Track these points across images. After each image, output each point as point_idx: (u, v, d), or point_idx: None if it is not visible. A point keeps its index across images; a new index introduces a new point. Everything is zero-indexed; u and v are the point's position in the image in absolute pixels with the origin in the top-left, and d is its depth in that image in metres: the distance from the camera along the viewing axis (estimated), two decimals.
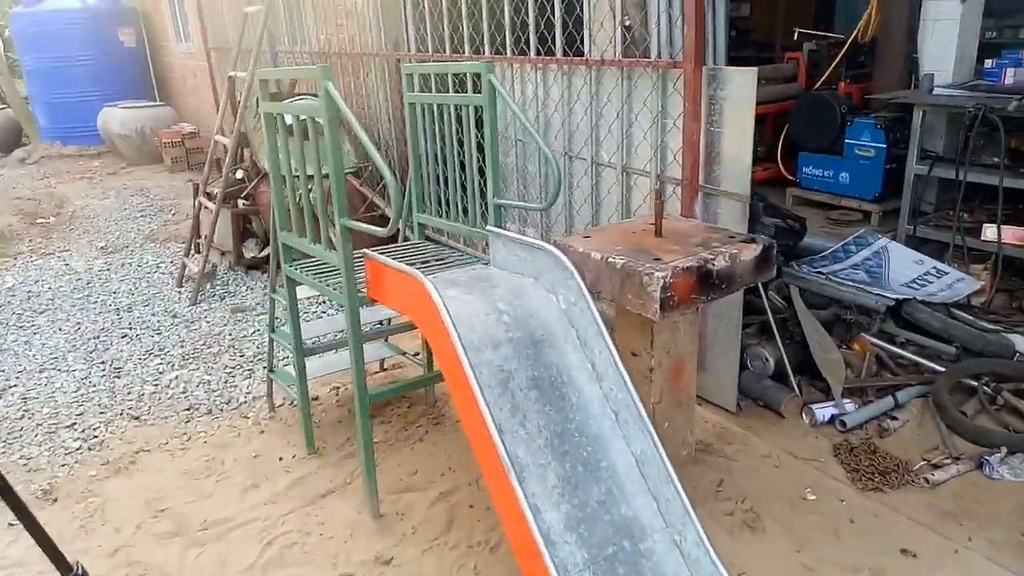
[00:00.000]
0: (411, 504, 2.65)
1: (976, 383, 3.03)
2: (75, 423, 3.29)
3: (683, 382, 2.53)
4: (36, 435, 3.20)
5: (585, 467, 2.09)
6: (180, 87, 10.39)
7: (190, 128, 9.00)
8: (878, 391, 3.08)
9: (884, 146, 4.56)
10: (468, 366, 1.95)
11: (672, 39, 2.86)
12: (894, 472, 2.60)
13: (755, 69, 2.55)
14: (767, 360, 3.13)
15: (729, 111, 2.66)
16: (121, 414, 3.36)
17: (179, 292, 4.95)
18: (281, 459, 2.98)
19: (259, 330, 4.22)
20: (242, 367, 3.81)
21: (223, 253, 5.23)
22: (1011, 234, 3.86)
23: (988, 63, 4.56)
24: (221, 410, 3.40)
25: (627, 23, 2.98)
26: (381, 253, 2.53)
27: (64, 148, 10.28)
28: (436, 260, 2.81)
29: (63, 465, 2.98)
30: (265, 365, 3.77)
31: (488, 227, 2.57)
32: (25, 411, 3.41)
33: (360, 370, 2.44)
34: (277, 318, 3.26)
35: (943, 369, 3.14)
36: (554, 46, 3.37)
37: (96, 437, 3.18)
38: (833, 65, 5.09)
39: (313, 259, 2.77)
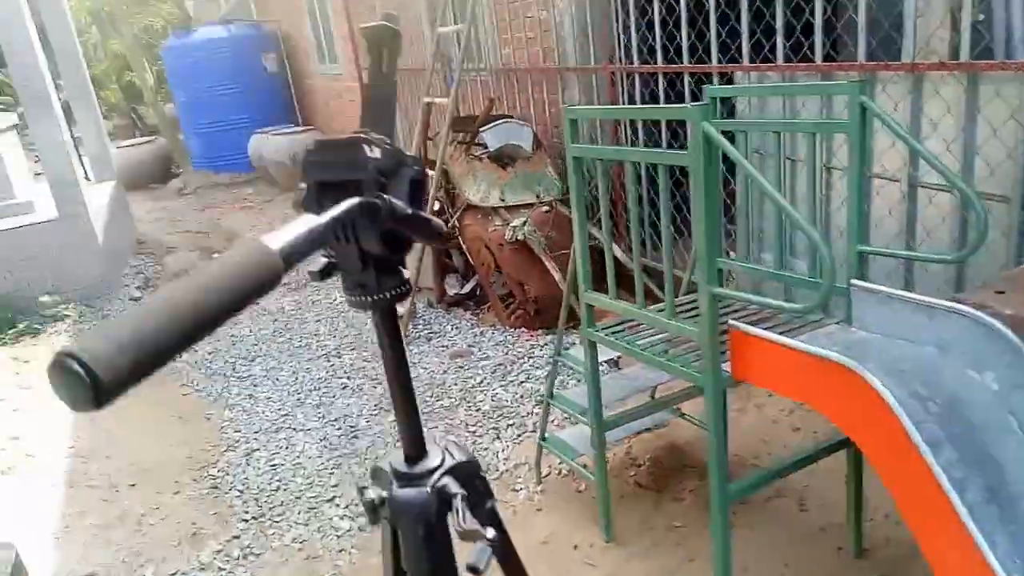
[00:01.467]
0: None
1: None
2: (334, 497, 3.05)
3: None
4: (298, 511, 2.99)
5: None
6: (322, 110, 10.43)
7: None
8: None
9: None
10: (954, 495, 1.50)
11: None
12: None
13: None
14: None
15: None
16: None
17: None
18: (576, 547, 2.62)
19: (486, 379, 3.91)
20: (483, 425, 3.50)
21: (419, 290, 4.99)
22: None
23: None
24: None
25: (981, 17, 2.44)
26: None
27: (216, 176, 10.53)
28: (738, 314, 2.35)
29: (340, 551, 2.74)
30: (511, 423, 3.47)
31: (852, 280, 2.10)
32: (278, 481, 3.21)
33: (723, 466, 2.02)
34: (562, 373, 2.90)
35: None
36: (855, 49, 2.86)
37: None
38: None
39: (621, 320, 2.39)
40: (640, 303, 2.17)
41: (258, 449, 3.48)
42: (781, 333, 2.12)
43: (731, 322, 1.96)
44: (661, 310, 2.18)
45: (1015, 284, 2.04)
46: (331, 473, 3.23)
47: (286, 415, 3.79)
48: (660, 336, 2.30)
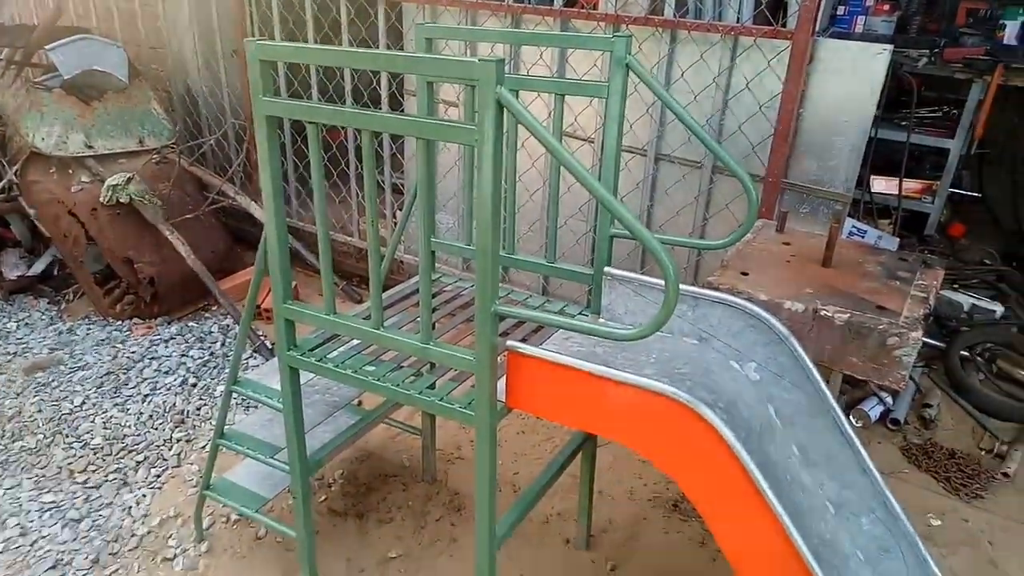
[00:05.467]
0: None
1: (968, 353, 3.09)
2: None
3: None
4: None
5: None
6: None
7: None
8: None
9: None
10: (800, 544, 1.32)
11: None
12: (980, 473, 2.53)
13: (890, 47, 2.11)
14: None
15: (841, 92, 2.21)
16: None
17: None
18: None
19: (89, 398, 2.85)
20: (99, 468, 2.52)
21: None
22: (906, 187, 4.05)
23: (840, 10, 4.66)
24: (114, 555, 2.19)
25: None
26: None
27: None
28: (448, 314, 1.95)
29: None
30: (142, 459, 2.58)
31: (606, 269, 1.84)
32: None
33: (492, 515, 1.61)
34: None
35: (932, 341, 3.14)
36: None
37: None
38: None
39: (338, 339, 1.77)
40: (375, 322, 1.58)
41: None
42: (523, 340, 1.75)
43: (510, 343, 1.51)
44: (366, 317, 1.62)
45: (752, 263, 1.99)
46: None
47: None
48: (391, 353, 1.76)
